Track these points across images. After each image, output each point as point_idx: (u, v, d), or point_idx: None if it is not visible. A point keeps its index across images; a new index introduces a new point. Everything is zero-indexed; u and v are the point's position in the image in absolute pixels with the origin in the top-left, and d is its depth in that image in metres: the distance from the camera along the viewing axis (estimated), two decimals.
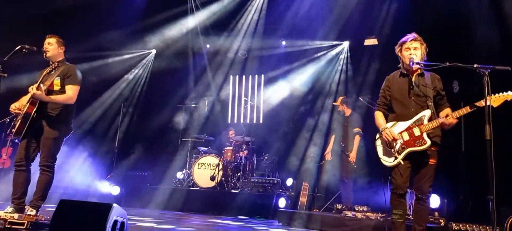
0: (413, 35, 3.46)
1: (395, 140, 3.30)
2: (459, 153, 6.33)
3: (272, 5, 9.24)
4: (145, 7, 9.28)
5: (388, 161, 3.36)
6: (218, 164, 7.53)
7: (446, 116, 3.22)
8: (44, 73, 4.03)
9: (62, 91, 3.98)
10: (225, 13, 9.44)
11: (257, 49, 9.74)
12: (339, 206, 6.02)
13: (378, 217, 5.03)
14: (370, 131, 6.09)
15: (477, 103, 3.08)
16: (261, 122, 9.63)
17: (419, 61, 3.31)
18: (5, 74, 3.76)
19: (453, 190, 6.12)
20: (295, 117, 9.06)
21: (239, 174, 7.80)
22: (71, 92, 3.99)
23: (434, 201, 5.65)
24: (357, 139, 6.11)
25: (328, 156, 6.50)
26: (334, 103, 6.84)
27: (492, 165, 2.73)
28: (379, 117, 3.55)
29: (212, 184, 7.44)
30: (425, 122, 3.26)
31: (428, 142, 3.21)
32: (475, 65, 2.96)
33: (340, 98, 6.55)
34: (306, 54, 9.27)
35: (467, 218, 5.35)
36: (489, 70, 2.90)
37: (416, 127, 3.28)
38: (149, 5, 9.30)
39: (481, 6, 6.42)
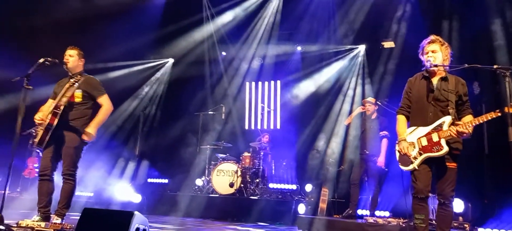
0: (430, 37, 3.40)
1: (408, 156, 3.27)
2: (482, 156, 6.17)
3: (287, 11, 9.26)
4: (162, 17, 9.46)
5: (404, 166, 3.34)
6: (237, 171, 7.55)
7: (457, 125, 3.14)
8: (65, 86, 4.14)
9: (83, 102, 4.11)
10: (240, 20, 9.52)
11: (273, 55, 9.76)
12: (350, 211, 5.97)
13: (400, 222, 4.94)
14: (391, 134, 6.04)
15: (493, 113, 3.00)
16: (278, 127, 9.62)
17: (437, 64, 3.26)
18: (31, 87, 3.89)
19: (477, 194, 5.96)
20: (312, 121, 9.01)
21: (257, 180, 7.79)
22: (106, 102, 4.22)
23: (459, 205, 5.52)
24: (384, 142, 5.99)
25: None
26: (365, 101, 6.48)
27: None
28: (400, 123, 3.51)
29: (231, 190, 7.46)
30: (445, 127, 3.19)
31: (445, 148, 3.14)
32: (495, 66, 2.89)
33: (372, 98, 6.41)
34: (322, 58, 9.23)
35: (493, 223, 5.19)
36: (510, 71, 2.83)
37: (435, 133, 3.22)
38: (166, 15, 9.47)
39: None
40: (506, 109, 2.84)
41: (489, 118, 3.03)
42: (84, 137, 4.03)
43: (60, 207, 3.94)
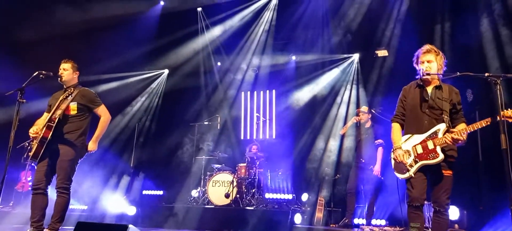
0: (425, 47, 3.43)
1: (403, 164, 3.28)
2: (477, 163, 6.19)
3: (281, 21, 9.33)
4: (157, 29, 9.50)
5: (400, 174, 3.34)
6: (232, 181, 7.52)
7: (452, 132, 3.16)
8: (59, 98, 4.13)
9: (79, 115, 4.11)
10: (235, 31, 9.57)
11: (268, 65, 9.79)
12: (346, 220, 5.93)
13: None
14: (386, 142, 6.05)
15: (484, 121, 3.03)
16: (274, 136, 9.61)
17: (430, 73, 3.29)
18: (24, 100, 3.87)
19: (473, 201, 5.97)
20: (308, 130, 9.02)
21: (253, 190, 7.75)
22: (104, 113, 4.28)
23: (454, 213, 5.52)
24: (380, 150, 6.00)
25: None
26: (359, 110, 6.54)
27: (510, 175, 2.66)
28: (395, 131, 3.52)
29: (227, 201, 7.41)
30: (440, 135, 3.21)
31: (441, 156, 3.16)
32: (487, 74, 2.92)
33: (365, 107, 6.43)
34: (317, 67, 9.27)
35: (489, 229, 5.20)
36: (501, 79, 2.86)
37: (430, 140, 3.24)
38: (161, 27, 9.51)
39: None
40: (498, 117, 2.87)
41: (483, 125, 3.06)
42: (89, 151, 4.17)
43: (54, 221, 3.90)
